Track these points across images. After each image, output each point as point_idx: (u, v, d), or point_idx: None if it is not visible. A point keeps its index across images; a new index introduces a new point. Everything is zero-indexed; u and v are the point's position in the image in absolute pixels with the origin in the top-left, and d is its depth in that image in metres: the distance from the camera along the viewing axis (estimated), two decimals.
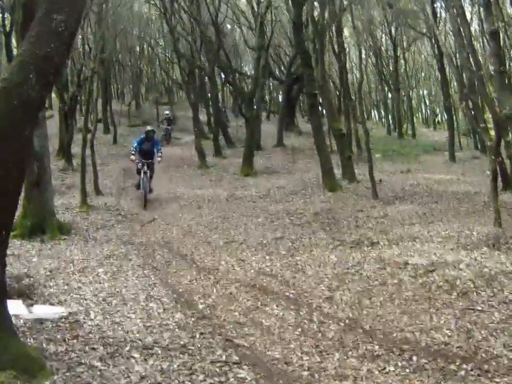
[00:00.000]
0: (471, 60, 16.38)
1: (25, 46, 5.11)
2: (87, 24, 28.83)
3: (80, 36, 29.22)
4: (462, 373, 5.44)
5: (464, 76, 22.28)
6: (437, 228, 12.41)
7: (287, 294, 8.49)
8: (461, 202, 15.94)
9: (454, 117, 37.78)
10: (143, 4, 43.16)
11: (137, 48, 47.58)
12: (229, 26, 46.67)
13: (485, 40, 34.03)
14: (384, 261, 9.76)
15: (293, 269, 9.83)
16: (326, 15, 23.42)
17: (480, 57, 19.79)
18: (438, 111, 61.52)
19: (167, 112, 36.21)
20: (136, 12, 43.74)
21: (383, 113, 57.56)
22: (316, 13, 23.66)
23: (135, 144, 19.21)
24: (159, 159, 19.44)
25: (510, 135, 10.40)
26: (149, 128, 20.17)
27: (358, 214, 14.50)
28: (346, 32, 39.44)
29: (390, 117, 49.69)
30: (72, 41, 5.62)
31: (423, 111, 69.49)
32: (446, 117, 39.47)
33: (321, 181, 19.20)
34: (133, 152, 19.06)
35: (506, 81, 11.01)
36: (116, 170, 25.12)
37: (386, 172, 23.11)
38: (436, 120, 60.18)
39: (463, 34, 14.82)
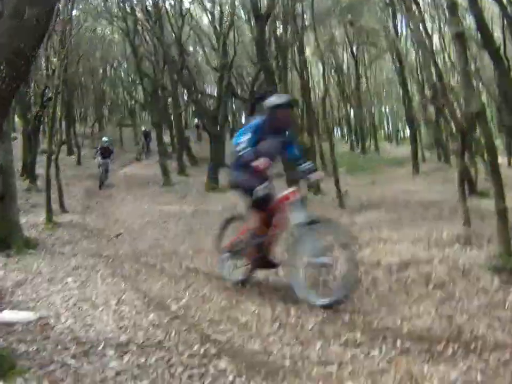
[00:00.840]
0: (432, 70, 16.64)
1: None
2: (50, 45, 28.63)
3: (43, 58, 29.02)
4: (449, 352, 5.38)
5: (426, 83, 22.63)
6: (406, 231, 12.46)
7: (263, 293, 8.36)
8: (428, 209, 16.06)
9: (417, 131, 38.20)
10: (106, 26, 43.07)
11: (100, 71, 47.41)
12: (191, 48, 46.81)
13: (445, 55, 34.65)
14: (359, 261, 9.68)
15: (267, 272, 9.69)
16: (288, 33, 23.62)
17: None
18: (400, 126, 62.20)
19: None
20: (98, 34, 43.60)
21: (345, 130, 58.05)
22: (278, 31, 23.85)
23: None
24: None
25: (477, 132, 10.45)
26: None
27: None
28: (308, 50, 39.72)
29: (353, 133, 50.05)
30: (43, 37, 5.51)
31: (386, 127, 70.23)
32: (408, 131, 39.93)
33: None
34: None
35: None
36: (81, 190, 24.96)
37: (351, 184, 23.23)
38: (399, 135, 60.81)
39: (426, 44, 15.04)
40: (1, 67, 4.81)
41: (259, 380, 4.80)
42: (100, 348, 5.61)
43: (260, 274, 9.08)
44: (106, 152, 28.18)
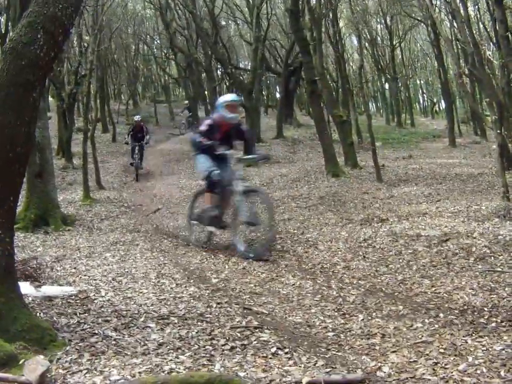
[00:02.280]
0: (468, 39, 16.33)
1: (32, 7, 4.94)
2: (82, 22, 28.68)
3: (75, 36, 29.13)
4: (493, 324, 5.29)
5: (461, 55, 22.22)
6: (445, 205, 12.28)
7: (302, 266, 8.34)
8: (466, 183, 15.84)
9: (453, 103, 37.67)
10: (138, 2, 43.06)
11: (133, 47, 47.45)
12: (224, 22, 46.60)
13: (481, 25, 34.02)
14: (396, 234, 9.61)
15: (305, 245, 9.66)
16: (322, 3, 23.33)
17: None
18: (435, 100, 61.42)
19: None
20: (130, 10, 43.58)
21: (380, 104, 57.52)
22: (311, 2, 23.53)
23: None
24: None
25: None
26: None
27: (364, 196, 14.36)
28: (341, 22, 39.32)
29: (388, 107, 49.55)
30: (80, 3, 5.47)
31: (421, 100, 69.47)
32: (444, 105, 39.41)
33: (323, 168, 19.04)
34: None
35: None
36: (117, 167, 25.09)
37: (388, 158, 23.02)
38: (434, 109, 60.06)
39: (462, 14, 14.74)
40: (39, 35, 4.78)
41: (302, 351, 4.76)
42: (141, 320, 5.62)
43: (298, 249, 9.04)
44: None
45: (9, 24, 19.94)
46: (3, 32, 25.83)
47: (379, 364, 4.50)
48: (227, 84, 47.49)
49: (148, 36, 48.08)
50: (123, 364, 4.37)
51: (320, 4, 22.14)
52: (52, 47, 4.91)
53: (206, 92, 36.46)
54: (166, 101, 48.38)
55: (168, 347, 4.82)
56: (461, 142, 30.78)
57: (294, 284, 7.24)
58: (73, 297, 6.57)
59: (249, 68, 35.41)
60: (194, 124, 33.28)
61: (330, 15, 28.07)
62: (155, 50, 50.25)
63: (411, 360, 4.58)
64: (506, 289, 6.39)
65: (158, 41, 49.20)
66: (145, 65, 53.43)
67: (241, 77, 40.14)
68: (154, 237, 11.80)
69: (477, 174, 17.23)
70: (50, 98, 33.28)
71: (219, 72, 45.66)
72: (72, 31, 22.27)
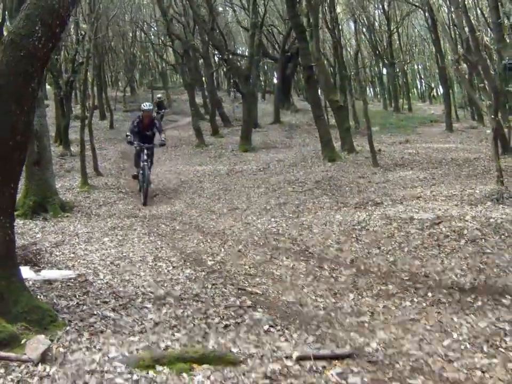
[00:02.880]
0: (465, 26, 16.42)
1: (30, 0, 5.06)
2: (79, 10, 28.70)
3: (72, 24, 29.13)
4: (479, 303, 5.49)
5: (458, 40, 22.28)
6: (439, 189, 12.43)
7: (296, 248, 8.50)
8: (461, 167, 15.95)
9: (450, 89, 37.73)
10: None
11: (130, 34, 47.44)
12: (220, 8, 46.57)
13: (478, 11, 34.06)
14: (389, 217, 9.75)
15: (299, 228, 9.81)
16: None
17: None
18: (433, 85, 61.42)
19: (159, 95, 35.35)
20: None
21: (378, 89, 57.55)
22: None
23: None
24: (163, 139, 15.77)
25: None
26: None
27: (359, 180, 14.50)
28: (338, 8, 39.28)
29: (385, 92, 49.57)
30: None
31: (419, 85, 69.48)
32: (441, 90, 39.46)
33: (320, 152, 19.16)
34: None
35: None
36: (114, 153, 25.14)
37: (384, 143, 23.11)
38: (432, 94, 60.07)
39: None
40: (37, 27, 4.91)
41: (293, 329, 4.94)
42: (138, 301, 5.78)
43: (293, 232, 9.19)
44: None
45: (6, 13, 19.99)
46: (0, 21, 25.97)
47: (367, 340, 4.69)
48: (224, 70, 47.49)
49: (145, 23, 48.05)
50: (121, 342, 4.55)
51: None
52: (50, 38, 5.05)
53: (203, 78, 36.55)
54: (163, 87, 48.45)
55: (164, 326, 4.99)
56: (458, 127, 30.84)
57: (287, 266, 7.42)
58: (72, 280, 6.73)
59: (246, 54, 35.47)
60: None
61: (328, 1, 28.11)
62: (152, 37, 50.20)
63: (398, 336, 4.77)
64: (494, 270, 6.59)
65: (155, 28, 49.13)
66: (142, 52, 53.36)
67: (238, 63, 40.18)
68: (152, 222, 11.95)
69: (473, 158, 17.34)
70: (47, 86, 33.29)
71: (216, 59, 45.62)
72: (69, 20, 22.25)
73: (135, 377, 3.90)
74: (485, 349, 4.42)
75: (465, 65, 26.22)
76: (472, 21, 21.90)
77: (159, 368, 4.05)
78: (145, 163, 15.14)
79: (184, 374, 3.96)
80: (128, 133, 15.71)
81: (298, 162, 18.71)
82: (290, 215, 11.16)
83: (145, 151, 15.31)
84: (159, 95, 35.14)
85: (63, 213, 12.96)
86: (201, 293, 6.08)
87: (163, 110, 33.63)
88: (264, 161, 19.90)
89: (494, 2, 10.08)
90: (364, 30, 45.01)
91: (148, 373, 3.96)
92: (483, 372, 4.03)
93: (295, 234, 9.37)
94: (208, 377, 3.91)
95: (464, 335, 4.73)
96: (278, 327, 4.95)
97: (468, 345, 4.51)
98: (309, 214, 11.06)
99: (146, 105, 16.14)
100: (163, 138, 15.70)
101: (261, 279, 6.81)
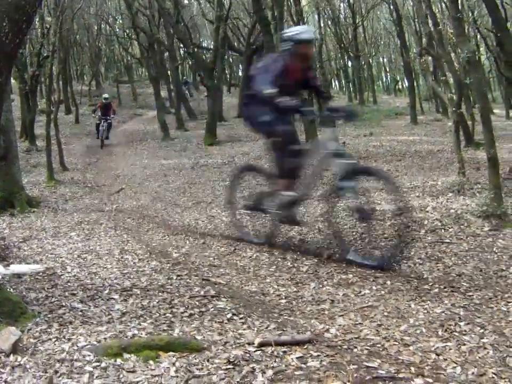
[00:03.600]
0: (429, 19, 16.68)
1: None
2: (44, 4, 28.51)
3: (37, 17, 28.90)
4: (436, 290, 5.71)
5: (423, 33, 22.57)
6: (402, 181, 12.69)
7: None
8: (424, 159, 16.26)
9: (415, 81, 38.18)
10: None
11: (95, 27, 47.17)
12: (186, 1, 46.51)
13: (443, 4, 34.46)
14: (352, 209, 9.94)
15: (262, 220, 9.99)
16: None
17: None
18: (398, 77, 61.99)
19: (105, 95, 29.76)
20: None
21: (343, 82, 57.93)
22: None
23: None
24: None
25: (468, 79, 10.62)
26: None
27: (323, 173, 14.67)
28: (304, 1, 39.48)
29: (350, 85, 49.95)
30: None
31: (384, 78, 70.05)
32: (406, 83, 39.92)
33: None
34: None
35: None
36: (80, 148, 25.16)
37: (349, 135, 23.38)
38: (397, 87, 60.65)
39: None
40: (4, 23, 5.00)
41: (255, 317, 5.10)
42: (105, 292, 5.90)
43: (257, 223, 9.35)
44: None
45: None
46: None
47: (327, 327, 4.87)
48: (190, 63, 47.48)
49: (110, 16, 47.82)
50: (89, 332, 4.66)
51: None
52: (16, 34, 5.14)
53: (168, 72, 36.56)
54: (128, 81, 48.35)
55: (131, 316, 5.12)
56: (422, 120, 31.26)
57: (251, 257, 7.60)
58: (41, 274, 6.82)
59: (211, 47, 35.51)
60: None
61: None
62: (117, 30, 50.00)
63: (357, 322, 4.97)
64: (452, 258, 6.84)
65: (120, 21, 48.97)
66: (107, 45, 53.14)
67: (203, 56, 40.21)
68: (118, 216, 12.04)
69: (436, 150, 17.66)
70: (12, 81, 33.07)
71: (181, 52, 45.60)
72: (35, 15, 22.05)
73: (103, 364, 4.02)
74: (440, 333, 4.61)
75: (429, 58, 26.56)
76: (437, 14, 22.24)
77: (126, 355, 4.17)
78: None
79: (151, 361, 4.09)
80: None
81: (262, 155, 18.84)
82: None
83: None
84: (105, 95, 29.82)
85: (30, 208, 13.01)
86: (166, 284, 6.22)
87: (111, 116, 27.80)
88: (229, 154, 20.05)
89: None
90: (329, 22, 45.28)
91: (115, 361, 4.09)
92: (437, 355, 4.21)
93: (259, 226, 9.53)
94: (174, 364, 4.05)
95: (420, 320, 4.92)
96: (241, 315, 5.11)
97: (424, 330, 4.69)
98: None
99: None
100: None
101: (224, 269, 6.98)
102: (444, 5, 33.84)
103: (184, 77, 35.32)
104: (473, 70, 9.95)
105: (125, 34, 48.57)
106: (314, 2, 35.14)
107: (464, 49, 9.66)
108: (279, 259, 7.33)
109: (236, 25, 43.36)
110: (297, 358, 4.14)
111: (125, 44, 49.55)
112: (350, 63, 50.57)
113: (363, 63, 48.98)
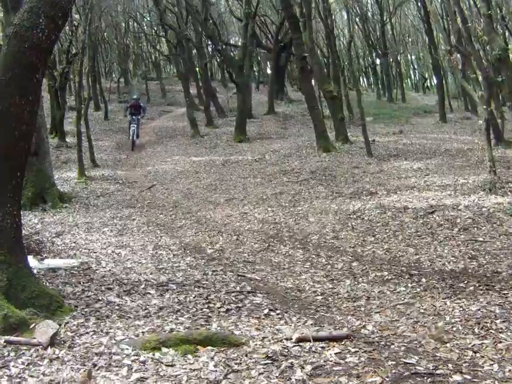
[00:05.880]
0: (458, 16, 16.56)
1: None
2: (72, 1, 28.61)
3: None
4: (471, 288, 5.71)
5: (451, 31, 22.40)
6: (433, 179, 12.65)
7: (293, 236, 8.68)
8: (455, 157, 16.15)
9: (444, 79, 37.87)
10: None
11: (123, 25, 47.32)
12: None
13: (471, 1, 34.17)
14: (384, 206, 9.97)
15: (296, 217, 10.02)
16: None
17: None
18: (427, 75, 61.54)
19: (135, 96, 28.40)
20: None
21: (372, 79, 57.64)
22: None
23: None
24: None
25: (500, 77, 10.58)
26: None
27: (354, 171, 14.68)
28: None
29: (379, 82, 49.68)
30: None
31: (412, 76, 69.59)
32: (435, 80, 39.60)
33: (315, 143, 19.29)
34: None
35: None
36: (110, 145, 25.24)
37: (378, 133, 23.26)
38: (426, 84, 60.21)
39: None
40: (40, 19, 5.06)
41: (292, 313, 5.13)
42: (141, 287, 5.96)
43: (290, 221, 9.36)
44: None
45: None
46: None
47: (363, 323, 4.89)
48: (218, 60, 47.54)
49: (138, 14, 47.97)
50: (127, 326, 4.73)
51: None
52: (53, 30, 5.20)
53: (197, 69, 36.59)
54: (157, 78, 48.45)
55: (168, 310, 5.18)
56: (451, 118, 31.03)
57: (285, 253, 7.63)
58: (76, 268, 6.90)
59: (239, 44, 35.48)
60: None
61: None
62: (145, 27, 50.12)
63: (393, 319, 4.98)
64: (486, 257, 6.82)
65: (148, 19, 49.09)
66: (135, 42, 53.27)
67: (232, 53, 40.20)
68: (150, 212, 12.10)
69: (466, 149, 17.52)
70: None
71: (210, 49, 45.67)
72: (71, 11, 22.06)
73: (142, 358, 4.07)
74: (476, 330, 4.62)
75: (458, 56, 26.37)
76: (465, 11, 22.06)
77: (164, 349, 4.22)
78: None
79: (189, 355, 4.14)
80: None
81: (293, 152, 18.85)
82: (287, 205, 11.37)
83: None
84: (134, 95, 29.06)
85: (61, 203, 13.08)
86: (202, 279, 6.27)
87: (141, 115, 26.62)
88: (259, 151, 20.03)
89: None
90: (357, 19, 45.07)
91: (154, 355, 4.14)
92: (474, 352, 4.21)
93: (292, 223, 9.57)
94: (212, 358, 4.09)
95: (456, 318, 4.93)
96: (278, 311, 5.15)
97: (460, 327, 4.70)
98: (304, 203, 11.25)
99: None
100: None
101: (259, 266, 7.01)
102: (472, 1, 33.63)
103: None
104: (504, 68, 9.89)
105: (153, 31, 48.69)
106: None
107: (494, 47, 9.61)
108: (314, 256, 7.35)
109: (264, 22, 43.29)
110: (335, 353, 4.17)
111: (153, 41, 49.66)
112: (378, 61, 50.29)
113: (391, 60, 48.68)
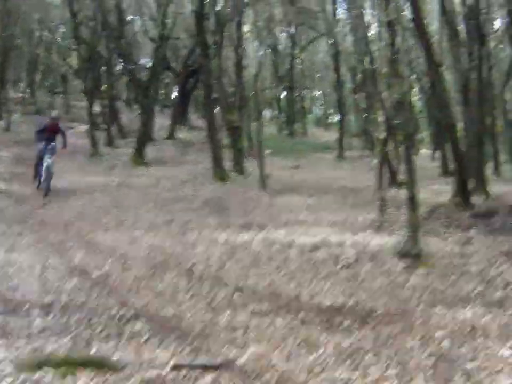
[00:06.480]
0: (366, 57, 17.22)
1: None
2: None
3: None
4: (347, 324, 6.05)
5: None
6: (323, 215, 13.13)
7: (179, 265, 8.84)
8: (348, 195, 16.72)
9: (346, 117, 38.96)
10: None
11: (37, 33, 46.35)
12: (130, 17, 46.35)
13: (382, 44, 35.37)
14: (271, 240, 10.32)
15: (184, 246, 10.18)
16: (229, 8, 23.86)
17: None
18: (330, 111, 62.89)
19: (53, 115, 21.29)
20: None
21: (276, 111, 58.46)
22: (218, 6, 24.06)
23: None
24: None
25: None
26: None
27: (246, 202, 15.05)
28: (246, 27, 39.82)
29: (282, 115, 50.44)
30: None
31: (316, 111, 70.95)
32: (337, 117, 40.60)
33: (211, 171, 19.52)
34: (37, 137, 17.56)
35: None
36: (9, 157, 24.65)
37: (276, 166, 23.65)
38: (328, 121, 61.53)
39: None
40: None
41: (171, 340, 5.30)
42: (26, 307, 6.00)
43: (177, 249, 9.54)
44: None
45: None
46: None
47: (239, 354, 5.10)
48: (126, 79, 47.25)
49: (53, 24, 47.11)
50: (9, 345, 4.78)
51: (226, 9, 22.64)
52: None
53: (104, 86, 36.29)
54: (63, 92, 47.73)
55: (50, 331, 5.26)
56: (350, 155, 31.80)
57: (170, 281, 7.77)
58: None
59: (149, 65, 35.42)
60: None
61: (237, 20, 28.60)
62: (58, 39, 49.29)
63: (268, 351, 5.21)
64: (364, 294, 7.20)
65: (64, 30, 48.30)
66: (46, 53, 52.29)
67: (140, 74, 40.10)
68: (41, 230, 11.97)
69: (361, 187, 18.08)
70: None
71: (119, 67, 45.36)
72: None
73: (21, 378, 4.16)
74: (347, 364, 4.92)
75: (363, 95, 27.17)
76: (376, 53, 22.82)
77: (44, 370, 4.31)
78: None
79: (69, 377, 4.26)
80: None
81: (189, 180, 19.03)
82: (176, 232, 11.54)
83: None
84: (53, 114, 21.26)
85: None
86: (86, 303, 6.36)
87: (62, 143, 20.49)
88: (155, 176, 20.09)
89: (390, 39, 10.93)
90: (268, 51, 45.77)
91: (34, 375, 4.23)
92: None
93: (179, 252, 9.72)
94: (91, 381, 4.23)
95: (329, 351, 5.22)
96: (157, 337, 5.32)
97: (332, 360, 4.99)
98: (194, 232, 11.41)
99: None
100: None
101: (143, 292, 7.14)
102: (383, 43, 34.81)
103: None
104: (402, 111, 10.41)
105: (66, 43, 47.94)
106: (257, 30, 35.62)
107: (396, 90, 10.13)
108: (197, 285, 7.54)
109: (176, 46, 43.35)
110: (209, 382, 4.36)
111: (64, 53, 48.87)
112: (283, 94, 51.07)
113: (297, 94, 49.61)
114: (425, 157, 31.95)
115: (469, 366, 4.94)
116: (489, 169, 21.35)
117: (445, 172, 22.61)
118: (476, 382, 4.62)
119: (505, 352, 5.25)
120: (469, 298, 7.18)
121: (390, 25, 11.88)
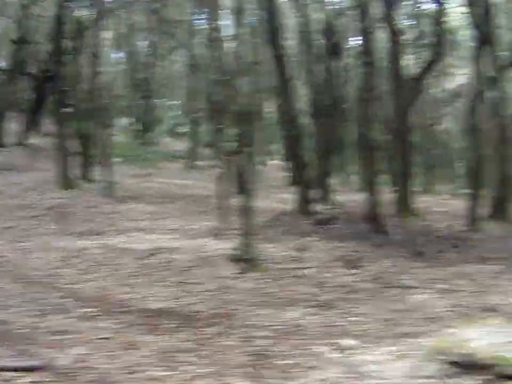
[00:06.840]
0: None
1: None
2: None
3: None
4: (172, 325, 6.44)
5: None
6: (166, 223, 13.52)
7: (14, 271, 8.85)
8: (193, 203, 17.15)
9: (197, 127, 39.40)
10: None
11: None
12: None
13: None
14: (109, 247, 10.62)
15: (21, 252, 10.18)
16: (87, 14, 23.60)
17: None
18: (182, 121, 63.12)
19: None
20: None
21: (130, 120, 58.08)
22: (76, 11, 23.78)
23: None
24: None
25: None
26: None
27: (90, 210, 15.10)
28: (107, 34, 39.41)
29: (136, 124, 50.18)
30: None
31: (169, 121, 71.03)
32: (189, 127, 40.90)
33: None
34: None
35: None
36: None
37: (126, 175, 23.62)
38: (181, 130, 61.71)
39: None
40: None
41: None
42: None
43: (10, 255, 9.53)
44: None
45: None
46: None
47: (60, 355, 5.30)
48: None
49: None
50: None
51: (83, 16, 22.39)
52: None
53: None
54: None
55: None
56: (200, 165, 32.16)
57: (3, 287, 7.79)
58: None
59: (5, 68, 34.32)
60: None
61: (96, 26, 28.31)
62: None
63: (89, 352, 5.46)
64: (193, 297, 7.64)
65: None
66: None
67: None
68: None
69: (206, 195, 18.40)
70: None
71: None
72: None
73: None
74: (166, 363, 5.22)
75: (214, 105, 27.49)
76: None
77: None
78: None
79: None
80: None
81: (36, 186, 18.64)
82: (15, 239, 11.49)
83: None
84: None
85: None
86: None
87: None
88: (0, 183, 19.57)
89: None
90: (126, 58, 45.49)
91: None
92: (162, 382, 4.80)
93: (16, 258, 9.72)
94: None
95: (151, 351, 5.51)
96: None
97: (152, 360, 5.28)
98: (33, 239, 11.46)
99: None
100: None
101: None
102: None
103: None
104: (245, 122, 10.91)
105: None
106: (116, 36, 35.38)
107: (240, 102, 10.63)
108: (33, 292, 7.64)
109: (35, 49, 42.16)
110: (29, 382, 4.56)
111: None
112: (138, 102, 50.75)
113: (152, 103, 49.44)
114: (277, 167, 32.82)
115: (284, 362, 5.35)
116: (339, 179, 22.37)
117: (294, 181, 23.38)
118: (288, 378, 4.99)
119: (320, 349, 5.73)
120: (298, 300, 7.75)
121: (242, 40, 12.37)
